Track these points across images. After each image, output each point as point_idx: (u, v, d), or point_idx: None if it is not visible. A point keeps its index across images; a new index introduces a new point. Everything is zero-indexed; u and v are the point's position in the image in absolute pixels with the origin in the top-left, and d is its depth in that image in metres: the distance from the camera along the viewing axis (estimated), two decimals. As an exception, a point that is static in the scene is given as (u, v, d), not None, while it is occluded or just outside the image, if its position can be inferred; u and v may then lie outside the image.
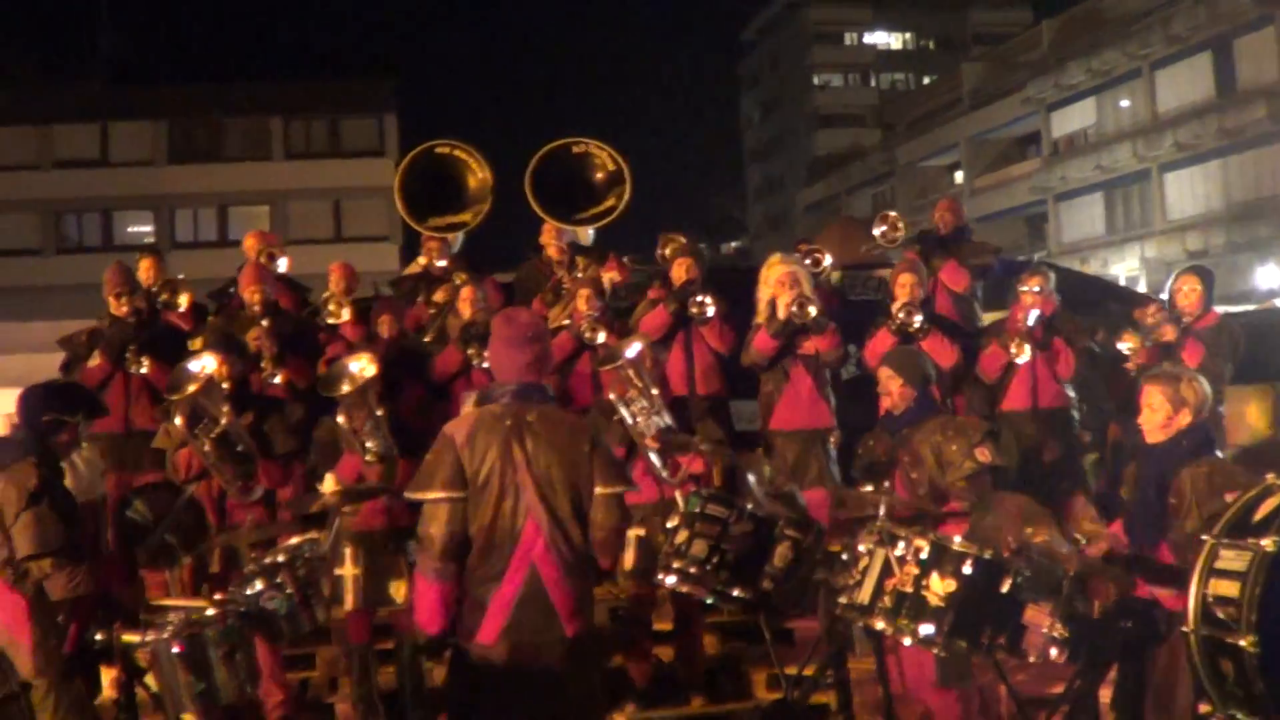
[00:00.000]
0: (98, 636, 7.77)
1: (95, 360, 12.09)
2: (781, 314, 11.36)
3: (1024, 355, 11.52)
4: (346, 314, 12.60)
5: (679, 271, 12.08)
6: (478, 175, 14.49)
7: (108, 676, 8.48)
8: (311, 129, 59.03)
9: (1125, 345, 11.70)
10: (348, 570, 9.65)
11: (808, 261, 12.50)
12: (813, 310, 11.26)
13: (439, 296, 13.25)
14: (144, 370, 11.96)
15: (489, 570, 6.28)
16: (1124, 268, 54.81)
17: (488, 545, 6.28)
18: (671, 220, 18.14)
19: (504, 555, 6.26)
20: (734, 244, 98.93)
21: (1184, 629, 6.42)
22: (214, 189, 56.95)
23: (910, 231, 13.32)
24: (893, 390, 8.83)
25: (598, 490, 6.39)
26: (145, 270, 13.09)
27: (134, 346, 12.05)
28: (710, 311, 11.74)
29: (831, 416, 11.61)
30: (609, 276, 13.02)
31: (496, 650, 6.25)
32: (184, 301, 12.81)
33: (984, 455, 8.54)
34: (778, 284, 11.49)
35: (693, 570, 8.24)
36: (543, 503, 6.28)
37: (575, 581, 6.37)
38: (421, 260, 14.17)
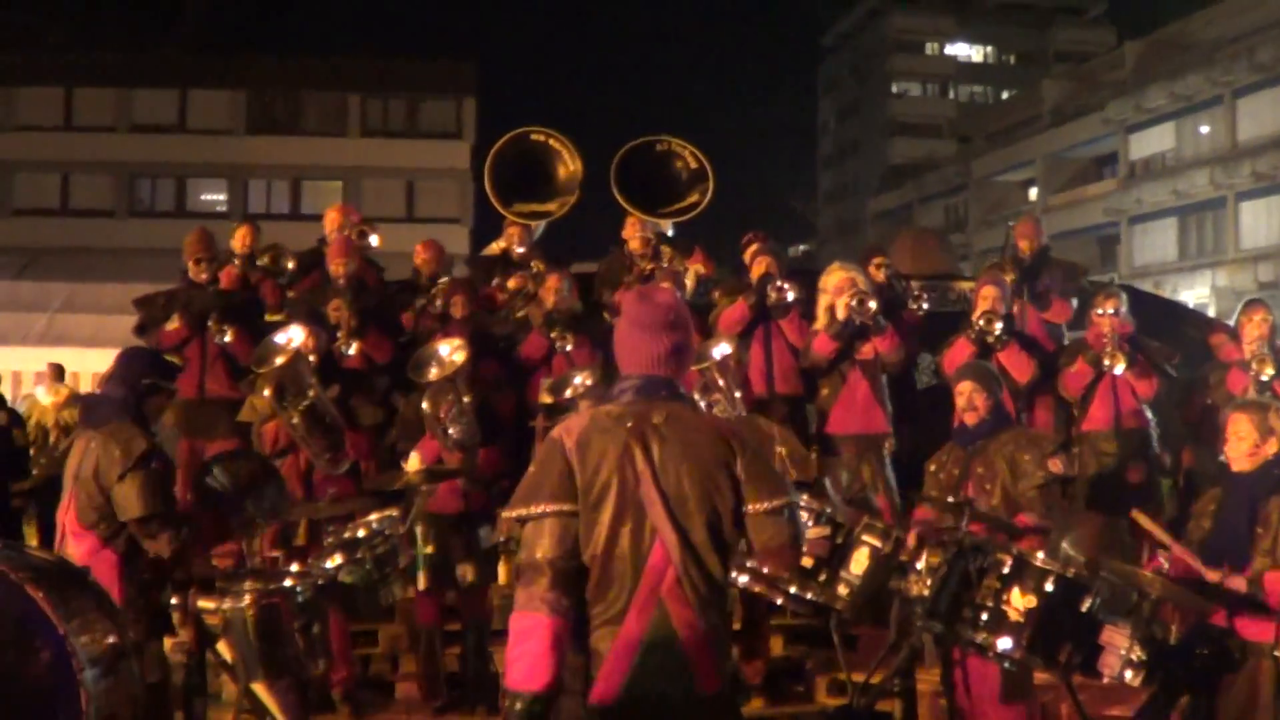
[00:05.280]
0: (173, 600, 7.82)
1: (174, 324, 12.11)
2: (841, 314, 11.35)
3: (1120, 365, 11.24)
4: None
5: (758, 270, 12.05)
6: (569, 167, 14.45)
7: (170, 641, 8.54)
8: (389, 108, 58.90)
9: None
10: (420, 550, 9.67)
11: (875, 265, 12.57)
12: (873, 305, 11.26)
13: (513, 283, 13.29)
14: (227, 339, 11.92)
15: (606, 610, 5.02)
16: (1194, 294, 54.24)
17: (604, 579, 5.02)
18: (741, 219, 18.14)
19: (625, 590, 5.00)
20: (802, 247, 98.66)
21: (1277, 654, 6.40)
22: (289, 161, 57.07)
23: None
24: (979, 404, 8.78)
25: (751, 507, 5.08)
26: (241, 238, 13.17)
27: (216, 315, 12.03)
28: (790, 296, 11.72)
29: (887, 423, 11.61)
30: (695, 269, 13.01)
31: (615, 713, 4.97)
32: (290, 265, 12.83)
33: (1056, 466, 8.56)
34: (836, 290, 11.49)
35: (766, 571, 8.15)
36: (672, 523, 5.00)
37: (712, 624, 5.06)
38: (501, 244, 14.18)
